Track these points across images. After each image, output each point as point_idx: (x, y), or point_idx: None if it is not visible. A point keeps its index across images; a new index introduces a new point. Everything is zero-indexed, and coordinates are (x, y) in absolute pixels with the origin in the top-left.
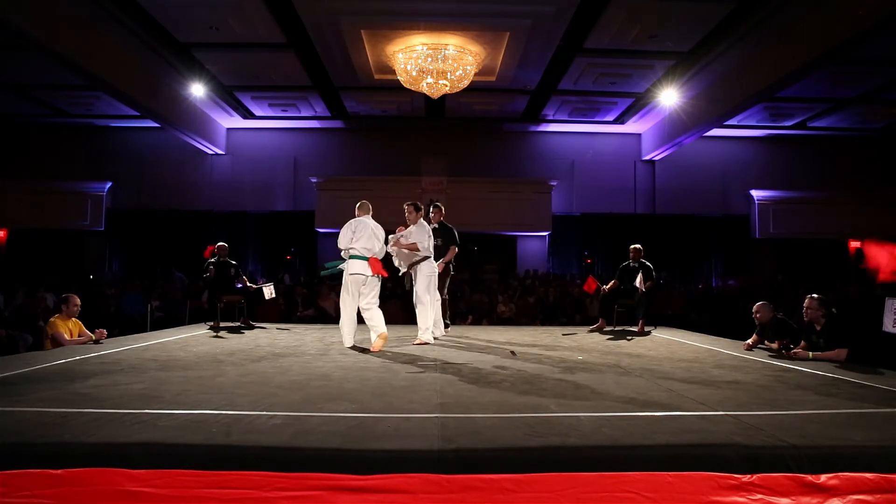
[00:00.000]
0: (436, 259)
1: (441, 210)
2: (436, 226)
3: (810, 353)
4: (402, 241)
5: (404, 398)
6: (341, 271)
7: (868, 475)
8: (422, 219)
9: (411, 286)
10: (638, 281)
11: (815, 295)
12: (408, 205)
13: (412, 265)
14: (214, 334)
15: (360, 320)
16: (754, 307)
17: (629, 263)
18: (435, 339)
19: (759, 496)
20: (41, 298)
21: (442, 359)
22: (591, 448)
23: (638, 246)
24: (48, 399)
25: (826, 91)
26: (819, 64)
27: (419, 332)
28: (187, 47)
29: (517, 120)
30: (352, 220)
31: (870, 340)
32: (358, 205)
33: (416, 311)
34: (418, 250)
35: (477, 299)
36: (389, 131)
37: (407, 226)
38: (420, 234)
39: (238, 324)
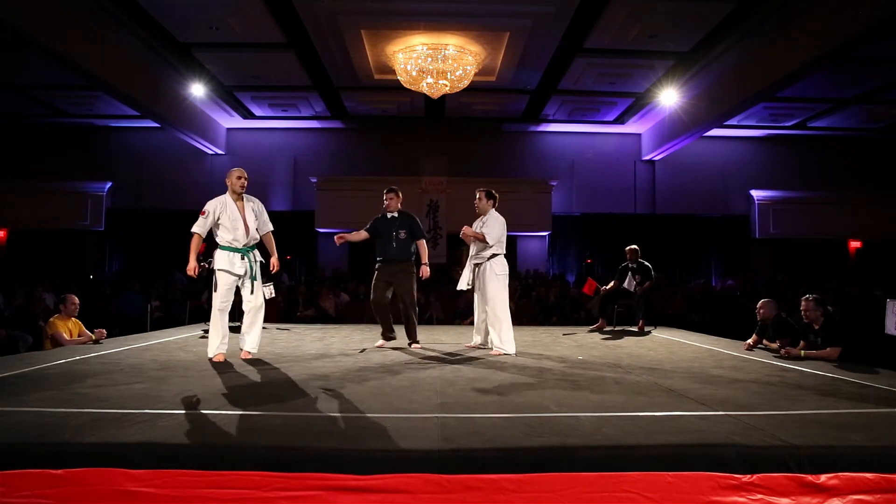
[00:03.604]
0: (400, 255)
1: (399, 196)
2: (395, 214)
3: (802, 353)
4: (471, 231)
5: (404, 398)
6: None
7: (868, 475)
8: (494, 209)
9: (470, 287)
10: (627, 282)
11: (810, 296)
12: (480, 191)
13: (477, 264)
14: (205, 336)
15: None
16: (759, 303)
17: (628, 264)
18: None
19: (759, 496)
20: (40, 298)
21: (442, 359)
22: (591, 448)
23: (634, 247)
24: (48, 399)
25: (826, 91)
26: (819, 64)
27: (500, 345)
28: (187, 47)
29: (517, 120)
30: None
31: (869, 340)
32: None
33: (493, 323)
34: (486, 242)
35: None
36: (389, 131)
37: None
38: (495, 225)
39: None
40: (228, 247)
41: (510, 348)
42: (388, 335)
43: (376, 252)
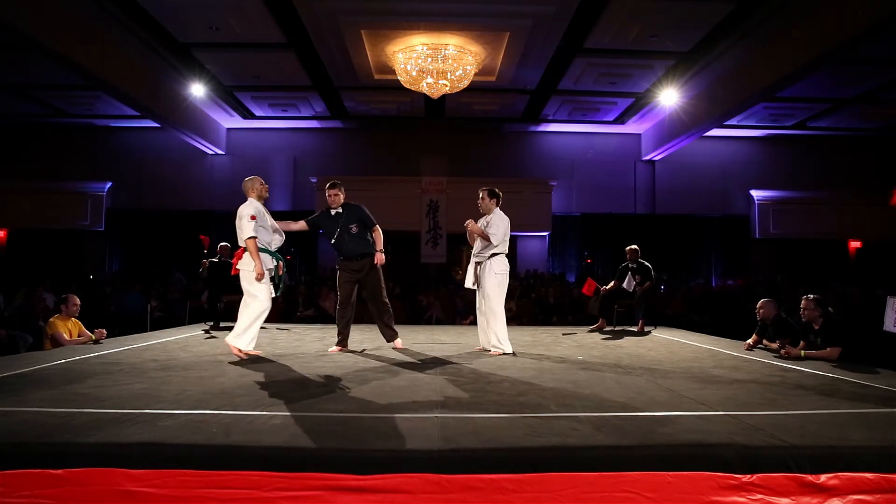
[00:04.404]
0: (360, 248)
1: (342, 191)
2: (339, 210)
3: (802, 353)
4: (476, 227)
5: (404, 398)
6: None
7: (868, 475)
8: (497, 208)
9: (475, 289)
10: (627, 282)
11: (810, 295)
12: (482, 190)
13: (478, 263)
14: (208, 336)
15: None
16: (759, 303)
17: (628, 264)
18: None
19: (759, 496)
20: (40, 298)
21: (442, 359)
22: (591, 448)
23: (634, 247)
24: (48, 399)
25: (826, 91)
26: (819, 64)
27: (498, 344)
28: (187, 47)
29: (517, 120)
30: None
31: (869, 340)
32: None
33: (489, 321)
34: (491, 241)
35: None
36: (389, 131)
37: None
38: (500, 225)
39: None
40: (265, 249)
41: (507, 347)
42: (344, 342)
43: (335, 251)
